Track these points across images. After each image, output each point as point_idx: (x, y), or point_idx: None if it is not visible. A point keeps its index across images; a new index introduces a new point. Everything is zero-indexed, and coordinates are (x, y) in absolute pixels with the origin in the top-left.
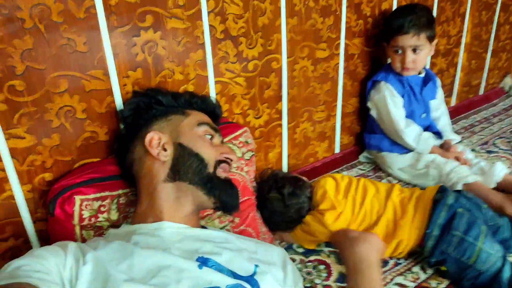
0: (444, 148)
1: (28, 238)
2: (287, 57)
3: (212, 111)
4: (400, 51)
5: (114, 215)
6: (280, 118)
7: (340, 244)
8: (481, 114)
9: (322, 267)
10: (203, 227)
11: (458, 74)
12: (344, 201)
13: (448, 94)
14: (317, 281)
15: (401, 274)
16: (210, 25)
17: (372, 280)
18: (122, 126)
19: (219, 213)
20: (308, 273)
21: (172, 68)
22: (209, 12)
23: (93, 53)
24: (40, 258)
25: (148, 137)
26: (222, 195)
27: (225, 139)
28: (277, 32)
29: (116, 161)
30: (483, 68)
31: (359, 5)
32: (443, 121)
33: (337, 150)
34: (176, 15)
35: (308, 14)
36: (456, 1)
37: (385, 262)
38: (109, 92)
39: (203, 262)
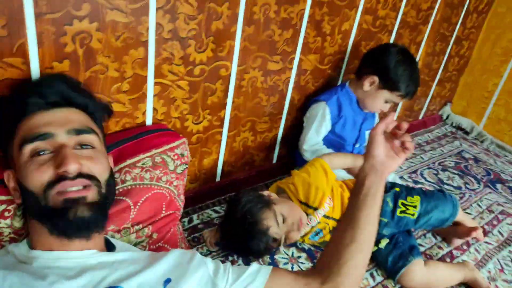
0: None
1: None
2: (238, 66)
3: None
4: (389, 103)
5: (18, 222)
6: (221, 126)
7: None
8: (416, 139)
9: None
10: (111, 246)
11: None
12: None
13: None
14: None
15: None
16: (157, 23)
17: None
18: None
19: (137, 227)
20: None
21: (106, 63)
22: (157, 9)
23: (12, 38)
24: None
25: (5, 177)
26: (63, 226)
27: (160, 149)
28: (230, 38)
29: None
30: (427, 95)
31: (320, 22)
32: None
33: (274, 160)
34: (119, 7)
35: (266, 24)
36: (415, 29)
37: None
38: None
39: None
